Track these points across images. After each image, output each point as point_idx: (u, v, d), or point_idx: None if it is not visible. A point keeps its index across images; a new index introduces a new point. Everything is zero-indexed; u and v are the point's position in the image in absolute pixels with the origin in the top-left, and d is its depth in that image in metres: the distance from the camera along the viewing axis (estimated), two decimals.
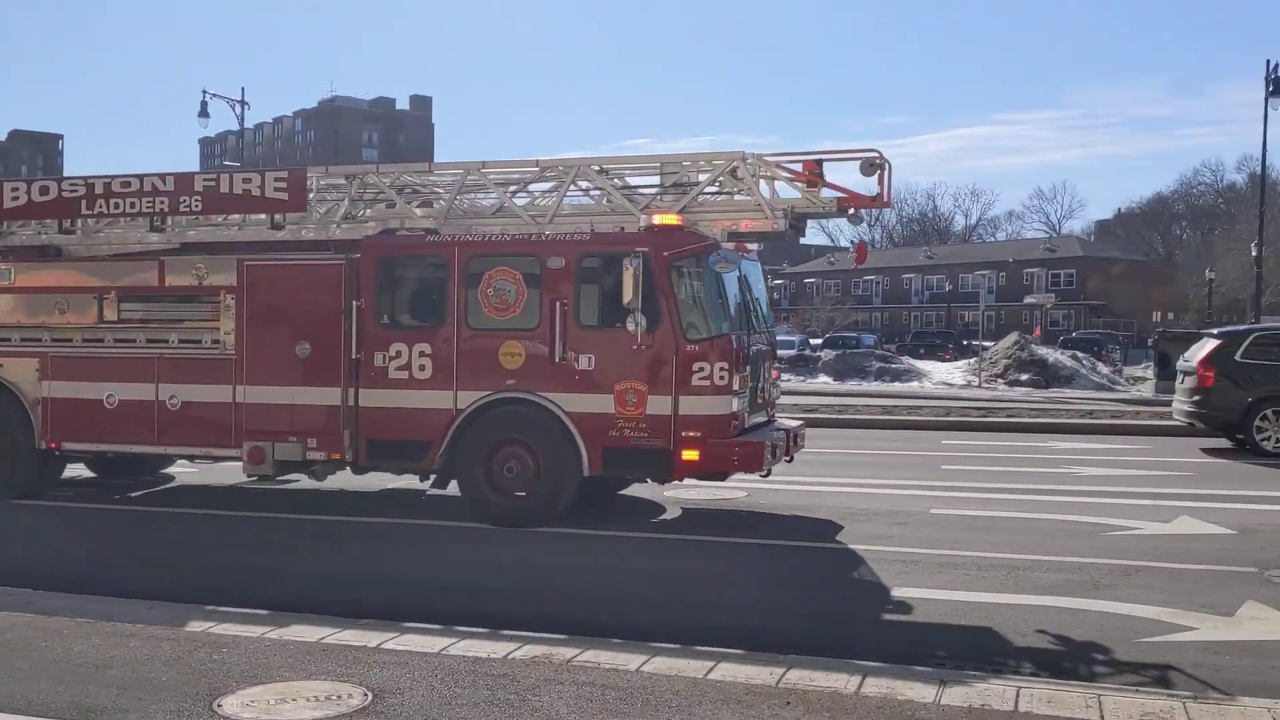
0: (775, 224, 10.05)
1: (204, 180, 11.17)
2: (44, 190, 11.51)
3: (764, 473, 10.07)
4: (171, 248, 11.50)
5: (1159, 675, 5.73)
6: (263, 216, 10.97)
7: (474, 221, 10.85)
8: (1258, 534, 9.61)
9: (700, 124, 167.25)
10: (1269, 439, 15.15)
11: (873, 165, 9.74)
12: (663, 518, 10.88)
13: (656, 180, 10.55)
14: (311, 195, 10.91)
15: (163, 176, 11.07)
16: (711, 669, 5.50)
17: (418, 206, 11.36)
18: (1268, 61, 30.80)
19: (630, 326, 9.36)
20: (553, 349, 9.72)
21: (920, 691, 5.17)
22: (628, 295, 9.28)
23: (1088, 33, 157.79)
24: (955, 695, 5.11)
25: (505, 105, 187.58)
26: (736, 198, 10.30)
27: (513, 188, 10.94)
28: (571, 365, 9.70)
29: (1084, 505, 10.48)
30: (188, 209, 11.05)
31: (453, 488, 10.35)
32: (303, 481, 11.43)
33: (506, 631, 6.20)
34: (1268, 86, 30.93)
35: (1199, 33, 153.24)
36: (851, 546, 9.25)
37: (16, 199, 11.46)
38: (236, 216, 11.47)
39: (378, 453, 10.47)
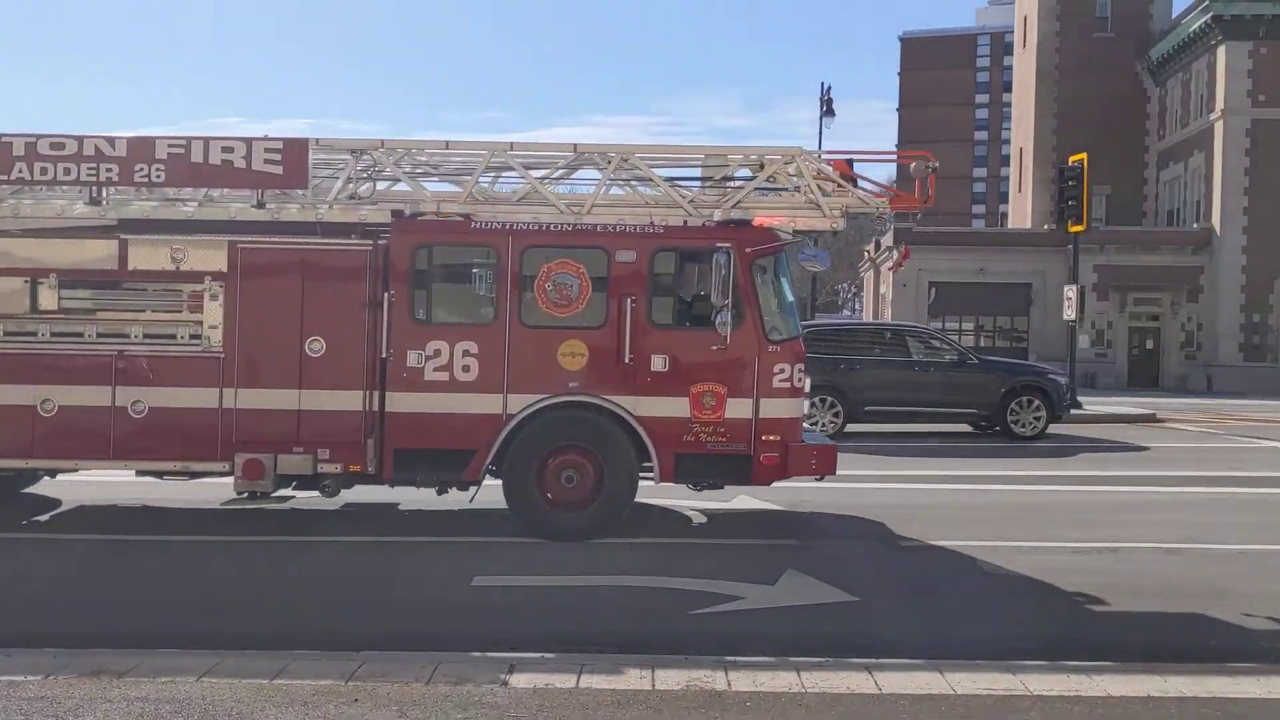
0: (834, 222, 9.70)
1: (169, 146, 9.15)
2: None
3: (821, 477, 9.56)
4: (106, 224, 9.39)
5: (707, 642, 6.27)
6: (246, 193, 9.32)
7: (499, 208, 9.75)
8: (801, 509, 10.84)
9: (298, 106, 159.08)
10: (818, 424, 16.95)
11: (927, 166, 9.79)
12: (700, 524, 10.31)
13: (679, 173, 10.14)
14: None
15: (110, 139, 9.10)
16: (281, 670, 5.34)
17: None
18: (823, 84, 35.52)
19: (718, 326, 8.86)
20: (621, 349, 8.94)
21: (490, 675, 5.35)
22: (716, 293, 8.79)
23: (677, 46, 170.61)
24: (523, 679, 5.34)
25: (71, 75, 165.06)
26: (784, 195, 9.90)
27: (541, 172, 9.89)
28: (642, 366, 8.98)
29: (653, 489, 11.15)
30: (145, 179, 9.09)
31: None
32: None
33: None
34: (822, 107, 35.35)
35: (771, 53, 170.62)
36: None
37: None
38: (194, 191, 9.61)
39: (407, 463, 9.12)
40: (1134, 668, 5.70)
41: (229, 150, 9.12)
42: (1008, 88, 72.02)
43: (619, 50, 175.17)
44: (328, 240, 9.31)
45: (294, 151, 9.16)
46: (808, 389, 9.54)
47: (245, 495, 9.20)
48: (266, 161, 9.08)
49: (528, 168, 9.84)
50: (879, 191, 10.13)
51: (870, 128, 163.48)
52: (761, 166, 9.88)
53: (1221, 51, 39.08)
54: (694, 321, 9.26)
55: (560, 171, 10.22)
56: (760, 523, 10.37)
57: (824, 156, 10.31)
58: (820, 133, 35.66)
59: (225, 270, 9.04)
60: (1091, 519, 10.83)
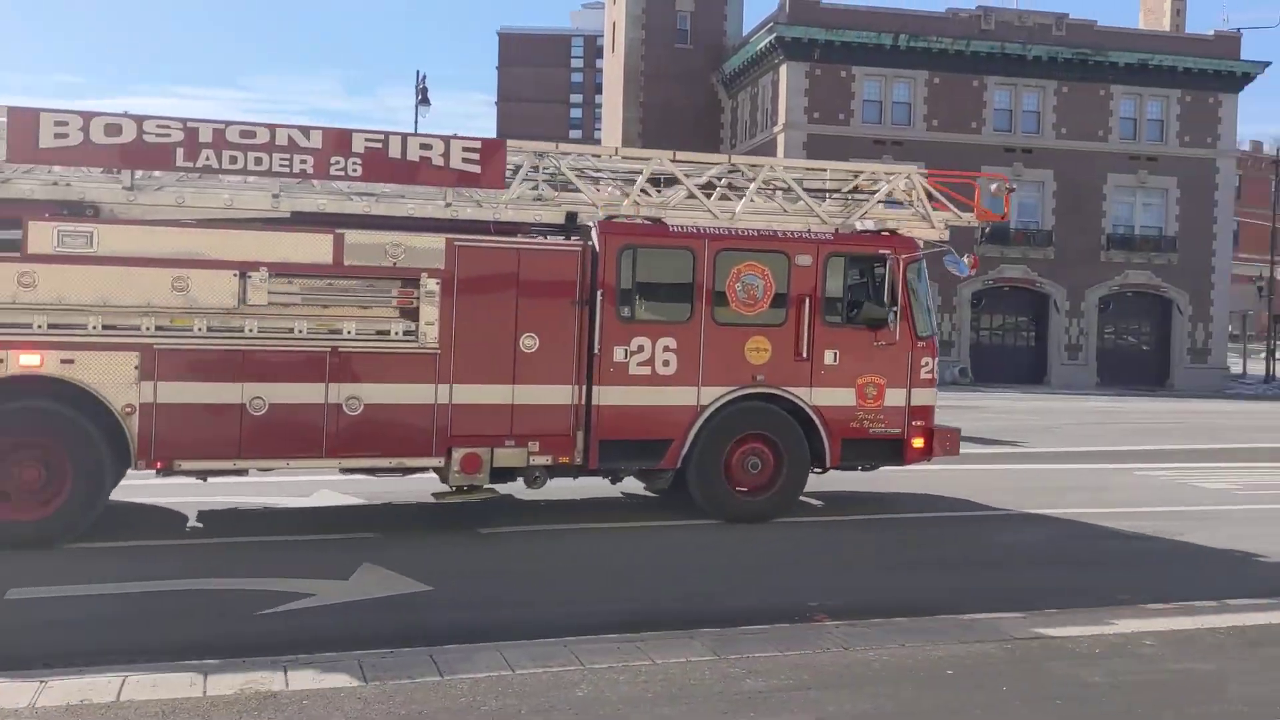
0: (942, 234, 11.07)
1: (367, 140, 9.12)
2: (113, 129, 8.53)
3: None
4: (280, 216, 9.10)
5: (272, 643, 6.08)
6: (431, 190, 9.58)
7: (667, 212, 10.33)
8: (390, 501, 10.70)
9: None
10: None
11: (1004, 187, 11.22)
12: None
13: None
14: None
15: (305, 130, 9.00)
16: None
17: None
18: (419, 72, 35.39)
19: (889, 323, 10.22)
20: (799, 344, 10.03)
21: (20, 693, 4.90)
22: (887, 294, 10.16)
23: (267, 19, 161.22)
24: (54, 694, 4.95)
25: None
26: (900, 209, 11.19)
27: (696, 180, 10.54)
28: (817, 360, 10.08)
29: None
30: (341, 173, 9.04)
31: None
32: None
33: None
34: (418, 95, 35.51)
35: (372, 37, 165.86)
36: None
37: (64, 136, 8.37)
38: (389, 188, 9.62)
39: (612, 454, 9.68)
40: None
41: (427, 147, 9.30)
42: (600, 89, 75.33)
43: (203, 18, 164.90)
44: (542, 240, 9.76)
45: (492, 150, 9.52)
46: (937, 380, 10.97)
47: (455, 490, 9.39)
48: (465, 160, 9.26)
49: (687, 175, 10.55)
50: (981, 211, 11.44)
51: (469, 119, 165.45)
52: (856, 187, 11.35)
53: (783, 70, 43.14)
54: (859, 319, 10.37)
55: (702, 180, 10.77)
56: (341, 518, 10.20)
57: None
58: (416, 120, 35.68)
59: (442, 268, 9.03)
60: None
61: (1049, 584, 8.37)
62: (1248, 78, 43.74)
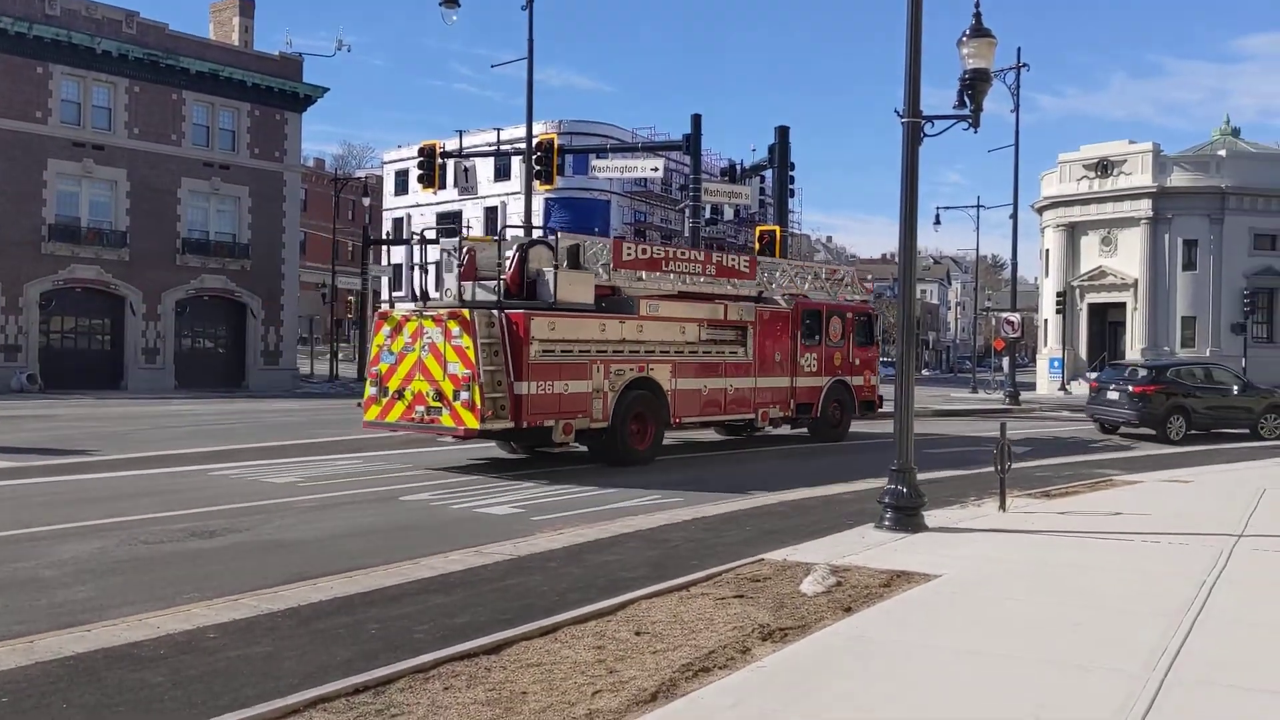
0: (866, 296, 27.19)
1: (716, 256, 21.41)
2: (642, 250, 19.91)
3: None
4: (676, 294, 19.63)
5: None
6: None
7: (803, 292, 23.08)
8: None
9: None
10: None
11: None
12: None
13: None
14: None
15: (699, 251, 21.94)
16: None
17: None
18: None
19: (873, 344, 25.10)
20: (848, 356, 23.65)
21: None
22: (871, 331, 24.71)
23: None
24: None
25: None
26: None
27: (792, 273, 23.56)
28: (851, 364, 23.79)
29: None
30: (706, 273, 20.22)
31: None
32: None
33: None
34: None
35: None
36: None
37: (630, 254, 19.13)
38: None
39: (798, 411, 22.14)
40: None
41: (734, 259, 21.88)
42: None
43: None
44: (781, 306, 21.87)
45: (754, 262, 22.18)
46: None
47: (758, 430, 22.57)
48: (744, 266, 21.57)
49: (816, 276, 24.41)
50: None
51: None
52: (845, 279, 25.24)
53: None
54: (863, 343, 23.90)
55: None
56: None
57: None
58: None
59: (754, 320, 20.63)
60: None
61: (102, 597, 8.29)
62: (310, 99, 47.52)
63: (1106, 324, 58.58)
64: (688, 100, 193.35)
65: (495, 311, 16.28)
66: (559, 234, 19.03)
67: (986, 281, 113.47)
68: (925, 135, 11.04)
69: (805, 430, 23.23)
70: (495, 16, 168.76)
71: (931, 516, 11.15)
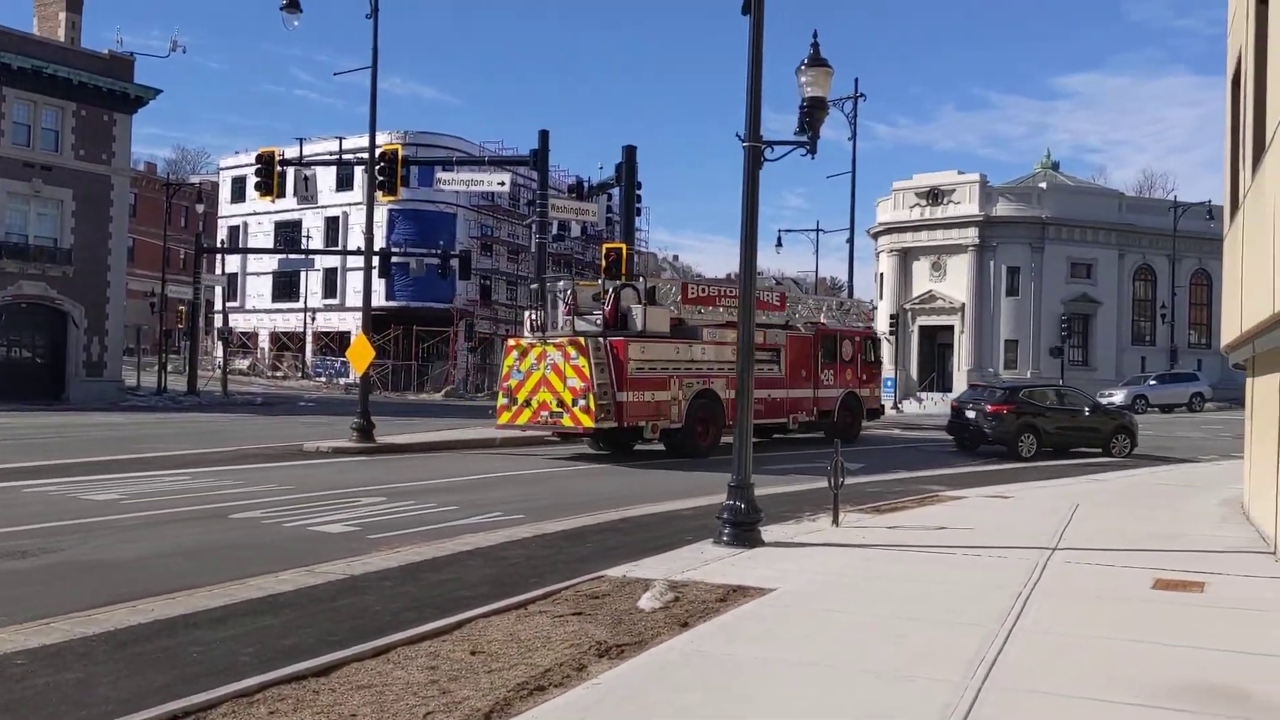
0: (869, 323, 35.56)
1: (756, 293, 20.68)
2: (701, 289, 26.45)
3: None
4: (725, 324, 24.67)
5: None
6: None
7: (821, 321, 30.03)
8: None
9: None
10: None
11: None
12: None
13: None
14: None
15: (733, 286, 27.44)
16: None
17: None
18: None
19: (877, 363, 32.87)
20: (857, 372, 30.05)
21: None
22: (875, 352, 32.44)
23: None
24: None
25: None
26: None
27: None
28: (860, 378, 30.26)
29: None
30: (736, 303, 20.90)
31: None
32: None
33: None
34: None
35: None
36: None
37: (693, 293, 25.65)
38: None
39: (819, 417, 28.15)
40: None
41: (770, 292, 29.15)
42: None
43: None
44: (801, 332, 28.18)
45: (782, 295, 29.62)
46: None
47: (791, 432, 28.27)
48: (776, 299, 28.51)
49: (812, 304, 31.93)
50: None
51: None
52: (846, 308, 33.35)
53: None
54: (870, 362, 31.14)
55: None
56: None
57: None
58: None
59: (784, 344, 26.92)
60: None
61: None
62: (141, 101, 45.53)
63: (936, 345, 61.11)
64: (536, 116, 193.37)
65: (601, 339, 22.31)
66: (643, 278, 27.65)
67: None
68: (765, 159, 11.33)
69: (817, 433, 29.32)
70: (339, 22, 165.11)
71: (769, 531, 11.39)
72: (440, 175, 33.45)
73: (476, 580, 9.35)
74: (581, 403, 21.44)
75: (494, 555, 10.69)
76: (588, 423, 21.59)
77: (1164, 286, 62.43)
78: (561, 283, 26.35)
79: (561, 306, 24.75)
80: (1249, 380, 14.61)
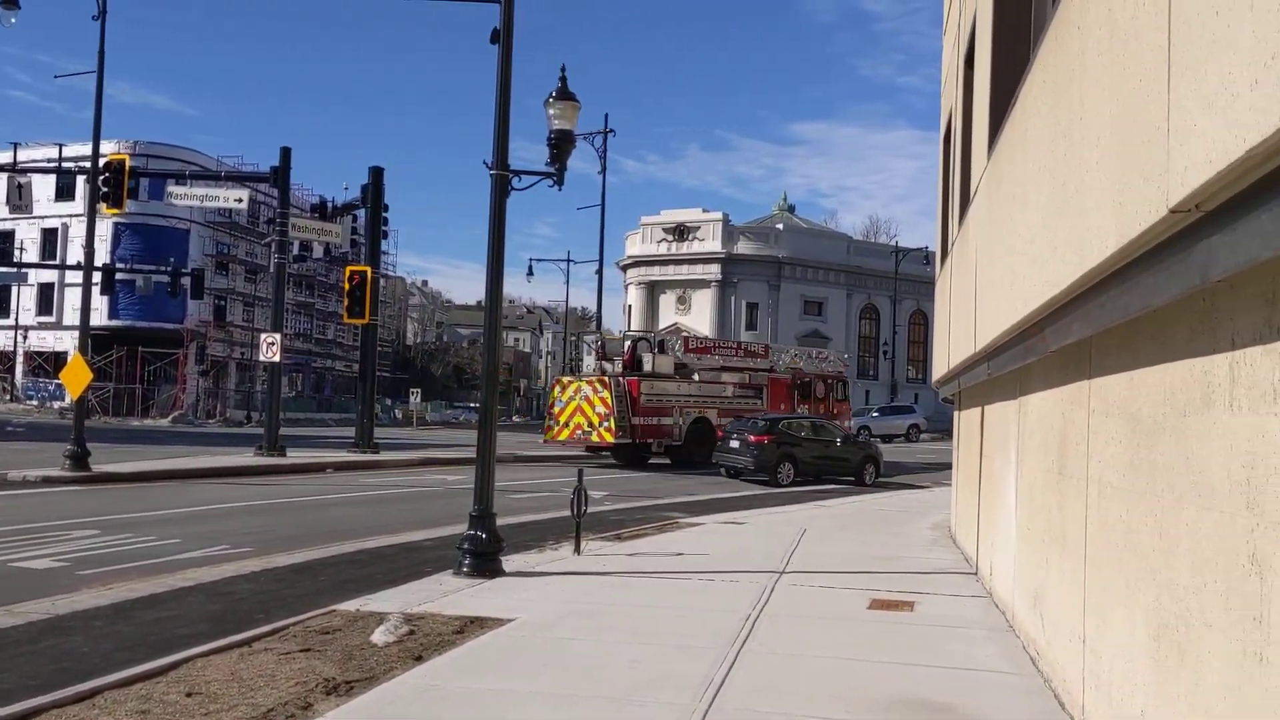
0: (841, 366, 43.00)
1: (744, 345, 38.53)
2: (698, 342, 37.45)
3: None
4: (719, 368, 34.64)
5: None
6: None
7: (800, 366, 37.88)
8: None
9: None
10: None
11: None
12: None
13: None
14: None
15: (734, 343, 39.32)
16: None
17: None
18: None
19: (848, 399, 41.03)
20: (830, 407, 36.98)
21: None
22: (844, 390, 39.83)
23: None
24: None
25: None
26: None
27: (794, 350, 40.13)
28: (832, 412, 36.28)
29: None
30: (738, 355, 36.09)
31: None
32: None
33: None
34: None
35: None
36: None
37: (693, 345, 35.76)
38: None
39: None
40: None
41: (754, 349, 37.79)
42: None
43: None
44: (780, 375, 36.30)
45: (766, 348, 38.39)
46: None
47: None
48: (759, 350, 37.58)
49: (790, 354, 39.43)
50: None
51: None
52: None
53: None
54: (841, 398, 38.87)
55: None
56: None
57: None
58: None
59: (766, 384, 35.43)
60: None
61: None
62: None
63: None
64: (280, 133, 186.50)
65: (621, 378, 31.32)
66: (654, 333, 40.46)
67: (576, 332, 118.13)
68: (513, 189, 11.35)
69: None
70: (62, 22, 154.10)
71: (510, 561, 11.34)
72: (172, 189, 31.48)
73: (198, 617, 8.82)
74: (606, 424, 30.32)
75: (218, 590, 10.11)
76: (610, 439, 30.70)
77: (886, 325, 66.93)
78: (590, 336, 41.47)
79: (593, 353, 37.06)
80: (956, 414, 15.81)
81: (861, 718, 6.00)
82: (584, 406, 30.83)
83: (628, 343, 34.27)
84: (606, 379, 31.25)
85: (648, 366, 32.71)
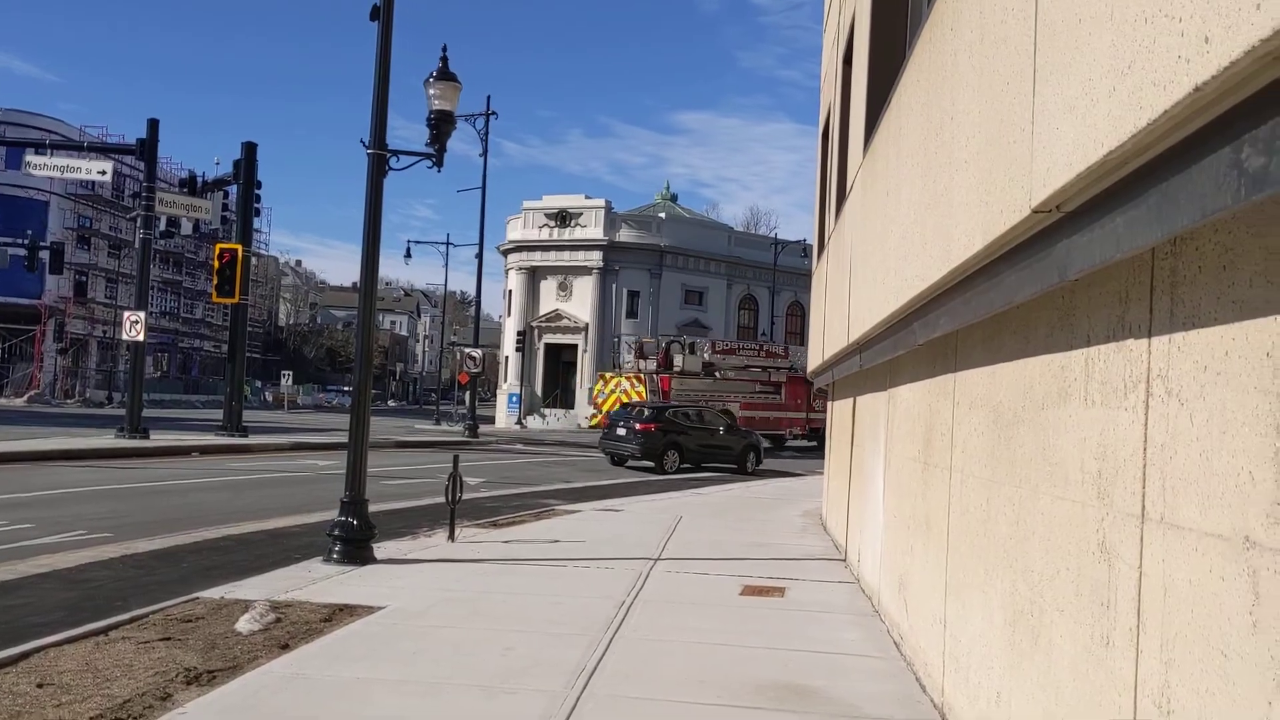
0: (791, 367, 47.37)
1: (764, 346, 47.74)
2: (725, 344, 45.59)
3: None
4: (743, 367, 43.10)
5: None
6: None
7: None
8: None
9: None
10: None
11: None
12: None
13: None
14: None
15: (756, 344, 49.94)
16: None
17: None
18: None
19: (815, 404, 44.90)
20: (808, 405, 43.20)
21: None
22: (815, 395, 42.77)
23: None
24: None
25: None
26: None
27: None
28: (812, 408, 42.32)
29: None
30: (759, 355, 44.59)
31: None
32: None
33: None
34: None
35: None
36: None
37: (719, 347, 43.86)
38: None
39: (805, 433, 42.84)
40: None
41: (775, 351, 46.75)
42: None
43: None
44: (799, 374, 41.00)
45: (784, 349, 47.06)
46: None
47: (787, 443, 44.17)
48: (779, 351, 46.67)
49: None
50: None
51: None
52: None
53: None
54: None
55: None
56: None
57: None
58: None
59: (785, 381, 42.75)
60: None
61: None
62: None
63: (560, 363, 62.79)
64: (148, 108, 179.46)
65: (654, 375, 37.83)
66: (685, 337, 45.10)
67: (455, 317, 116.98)
68: (391, 169, 11.14)
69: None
70: None
71: (382, 548, 11.17)
72: (31, 159, 30.02)
73: (52, 606, 8.45)
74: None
75: (74, 578, 9.71)
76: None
77: (765, 315, 67.94)
78: (632, 338, 48.85)
79: (632, 352, 43.98)
80: (830, 404, 16.15)
81: (730, 701, 6.09)
82: (621, 399, 37.68)
83: (661, 344, 41.83)
84: (642, 375, 39.28)
85: (678, 365, 39.41)
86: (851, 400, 12.26)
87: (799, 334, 68.75)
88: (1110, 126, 2.66)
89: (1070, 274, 3.34)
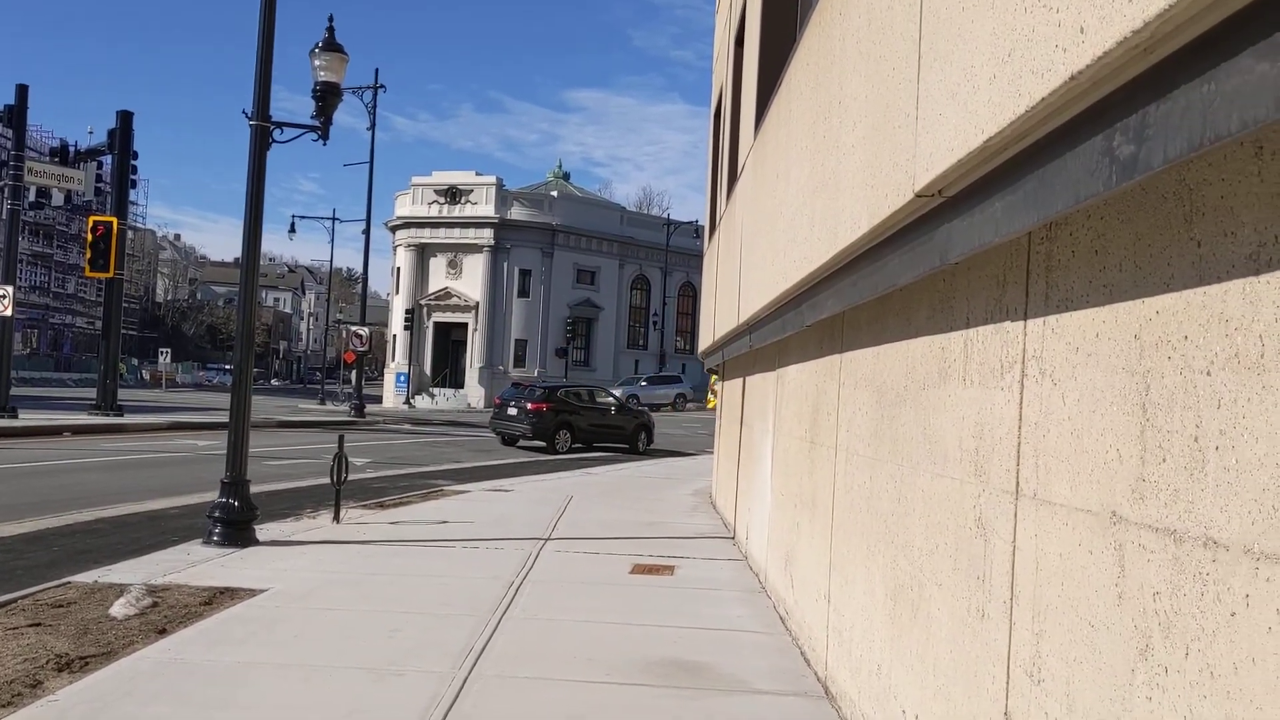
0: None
1: None
2: None
3: None
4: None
5: None
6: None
7: None
8: None
9: None
10: None
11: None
12: None
13: None
14: None
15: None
16: None
17: None
18: None
19: None
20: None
21: None
22: None
23: None
24: None
25: None
26: None
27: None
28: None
29: None
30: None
31: None
32: None
33: None
34: None
35: None
36: None
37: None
38: None
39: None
40: None
41: None
42: None
43: None
44: None
45: None
46: None
47: None
48: None
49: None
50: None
51: None
52: None
53: None
54: None
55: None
56: None
57: None
58: None
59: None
60: None
61: None
62: None
63: (450, 342, 62.10)
64: (15, 69, 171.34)
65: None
66: None
67: (341, 294, 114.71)
68: (275, 141, 10.84)
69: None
70: None
71: (265, 530, 10.92)
72: None
73: None
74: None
75: None
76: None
77: (657, 296, 68.23)
78: None
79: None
80: (720, 384, 16.31)
81: (620, 679, 6.12)
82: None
83: None
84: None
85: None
86: (741, 380, 12.41)
87: (690, 315, 69.24)
88: (991, 113, 2.72)
89: (951, 258, 3.42)
